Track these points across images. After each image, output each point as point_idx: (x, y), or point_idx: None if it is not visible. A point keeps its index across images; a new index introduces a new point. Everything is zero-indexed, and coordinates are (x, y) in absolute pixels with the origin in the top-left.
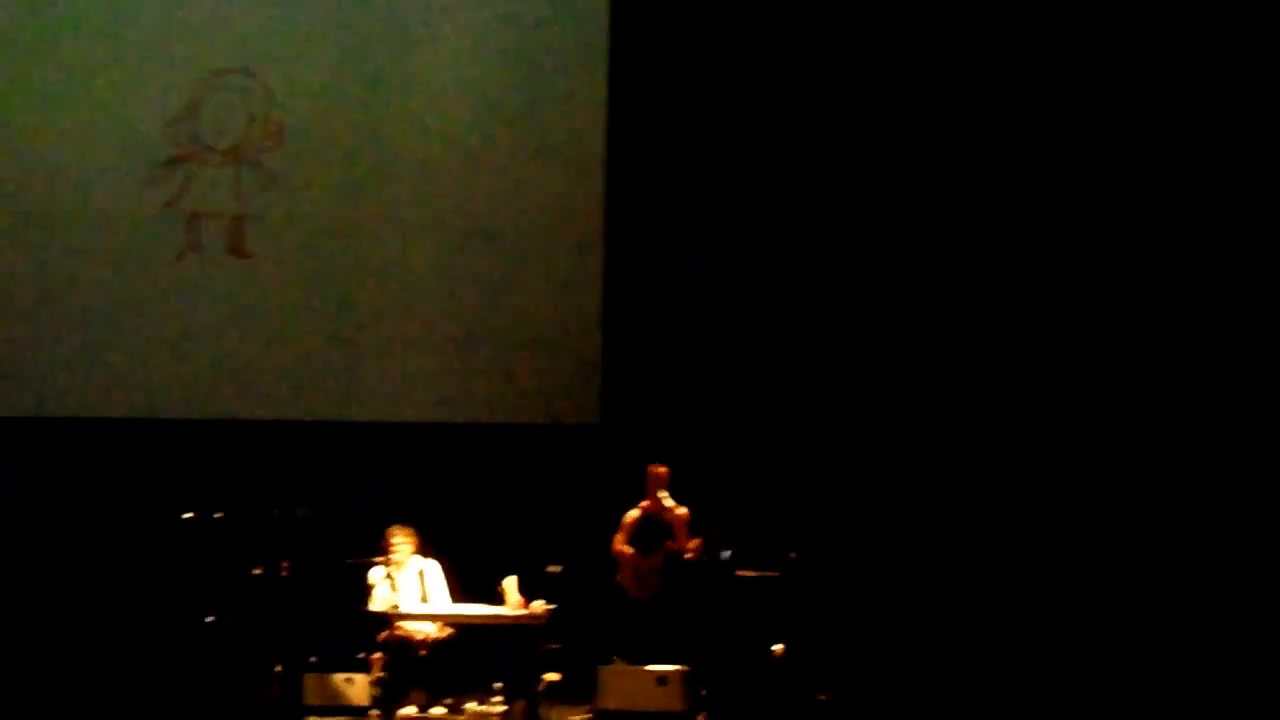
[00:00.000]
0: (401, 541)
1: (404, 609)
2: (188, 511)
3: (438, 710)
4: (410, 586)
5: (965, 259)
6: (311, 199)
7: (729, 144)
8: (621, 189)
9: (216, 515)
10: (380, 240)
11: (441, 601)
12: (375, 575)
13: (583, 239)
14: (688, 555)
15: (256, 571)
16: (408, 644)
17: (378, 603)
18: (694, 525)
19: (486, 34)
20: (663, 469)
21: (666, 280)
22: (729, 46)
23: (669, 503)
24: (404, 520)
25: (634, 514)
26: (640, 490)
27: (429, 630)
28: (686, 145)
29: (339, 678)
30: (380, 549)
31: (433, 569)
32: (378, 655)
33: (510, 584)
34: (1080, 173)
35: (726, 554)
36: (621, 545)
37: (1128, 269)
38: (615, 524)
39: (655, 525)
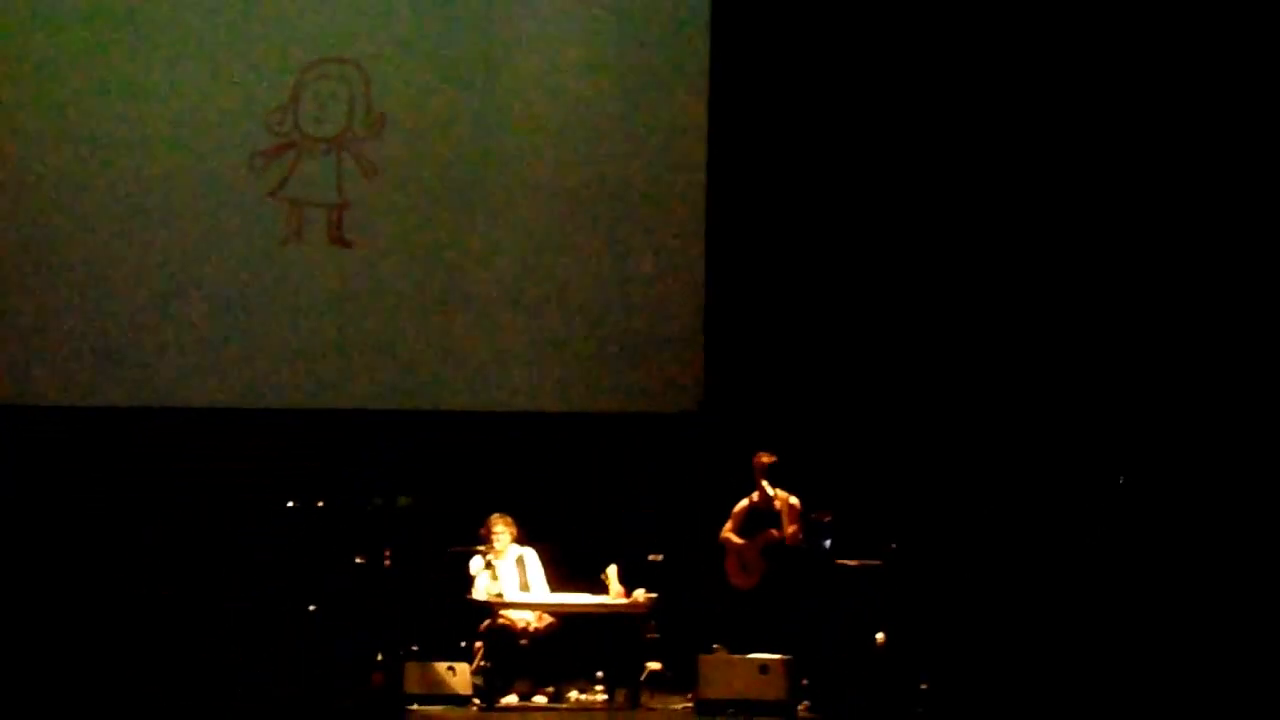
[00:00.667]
0: (500, 530)
1: (506, 598)
2: (291, 500)
3: (540, 699)
4: (510, 575)
5: (1052, 250)
6: (412, 189)
7: (834, 131)
8: (724, 174)
9: (319, 504)
10: (480, 229)
11: (540, 589)
12: (475, 564)
13: (685, 225)
14: (787, 541)
15: (359, 560)
16: (510, 633)
17: (480, 592)
18: (803, 512)
19: (588, 20)
20: (768, 457)
21: (770, 267)
22: (833, 31)
23: (772, 491)
24: (505, 509)
25: (743, 504)
26: (740, 478)
27: (531, 619)
28: (791, 131)
29: (441, 666)
30: (480, 537)
31: (531, 556)
32: (479, 644)
33: (612, 573)
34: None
35: (827, 543)
36: (729, 534)
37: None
38: (716, 512)
39: (764, 514)
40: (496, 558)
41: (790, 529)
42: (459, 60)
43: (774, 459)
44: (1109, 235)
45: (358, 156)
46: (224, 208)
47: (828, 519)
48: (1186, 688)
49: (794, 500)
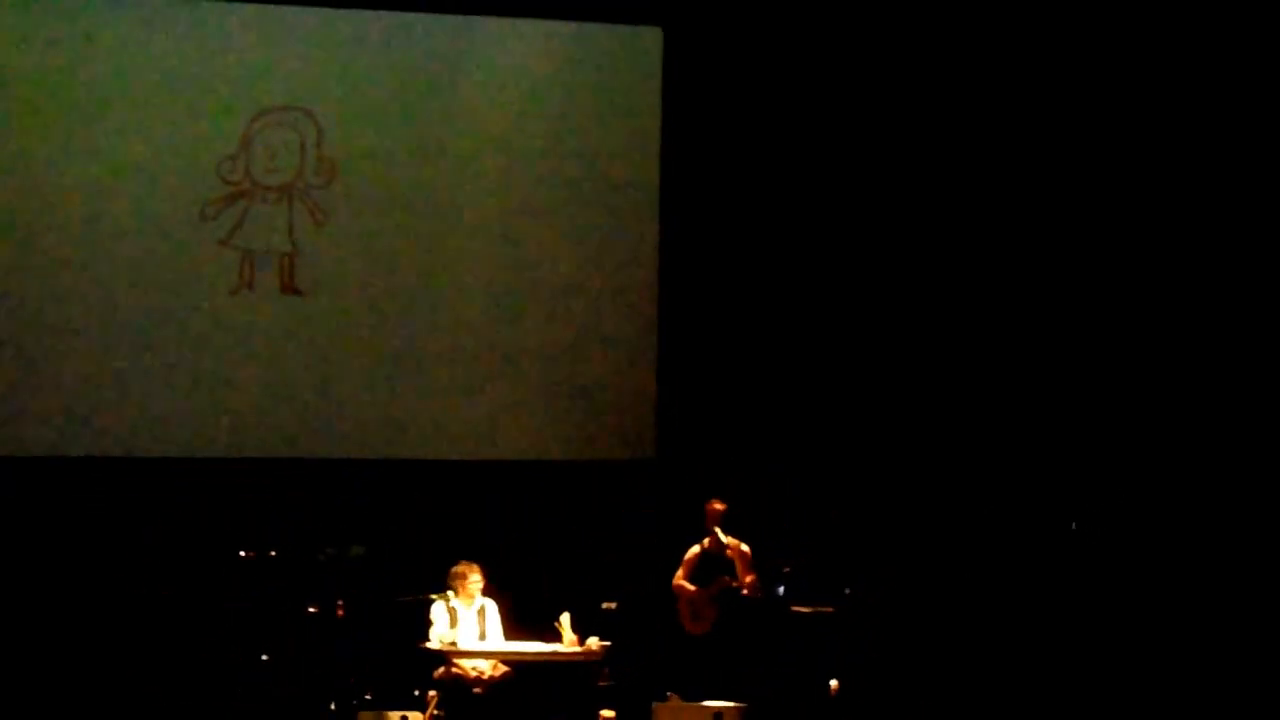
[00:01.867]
0: (475, 579)
1: (460, 646)
2: (243, 550)
3: None
4: (470, 624)
5: (1029, 290)
6: (364, 236)
7: (784, 184)
8: (678, 223)
9: (271, 554)
10: (432, 278)
11: (496, 640)
12: (438, 610)
13: (638, 275)
14: (745, 591)
15: (312, 610)
16: (464, 682)
17: (434, 639)
18: (755, 560)
19: (539, 68)
20: (720, 505)
21: (722, 318)
22: (782, 85)
23: (726, 539)
24: (460, 558)
25: (694, 550)
26: (694, 525)
27: (484, 668)
28: (742, 180)
29: (394, 716)
30: (446, 583)
31: (492, 608)
32: (433, 693)
33: (565, 621)
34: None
35: (781, 590)
36: (681, 581)
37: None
38: (669, 559)
39: (716, 561)
40: (465, 604)
41: (748, 578)
42: (411, 108)
43: (725, 506)
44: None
45: (309, 204)
46: (175, 256)
47: (787, 570)
48: None
49: (745, 547)
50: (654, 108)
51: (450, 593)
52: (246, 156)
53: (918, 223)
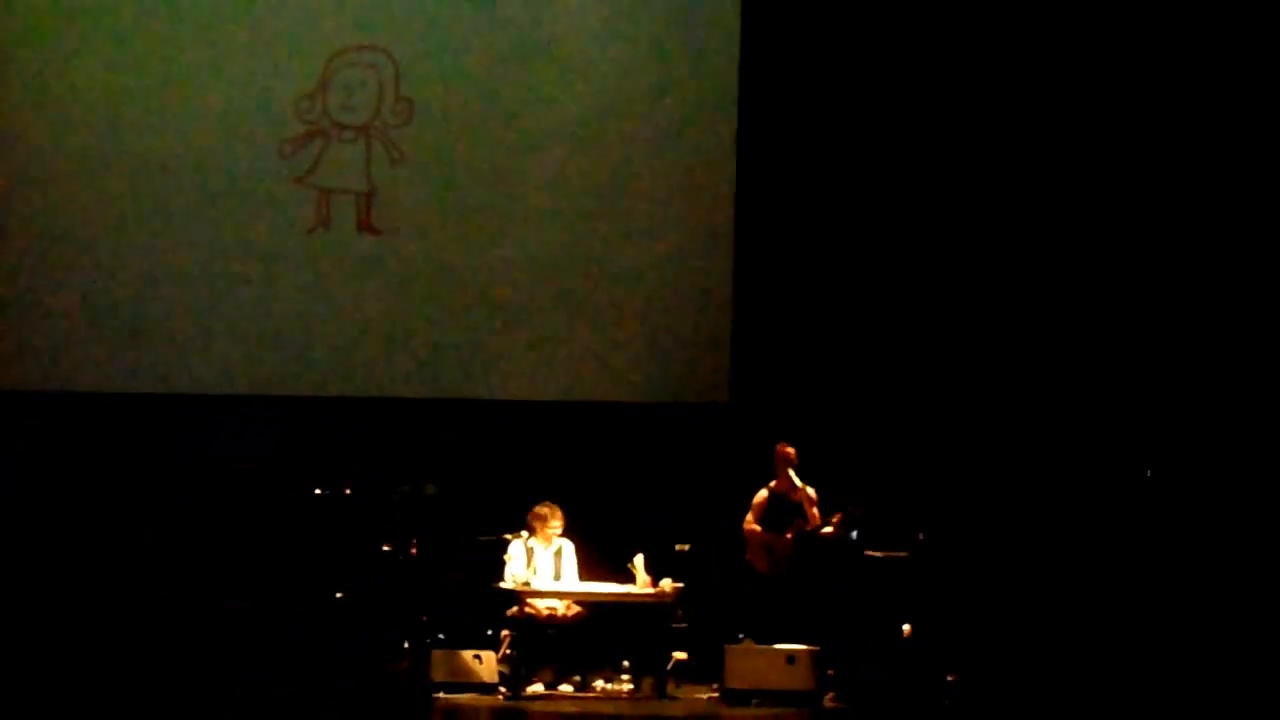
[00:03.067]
0: (555, 523)
1: (533, 586)
2: (318, 487)
3: (565, 688)
4: (546, 565)
5: (1079, 241)
6: (440, 176)
7: (861, 127)
8: (753, 168)
9: (346, 492)
10: (509, 219)
11: (571, 580)
12: (515, 549)
13: (713, 218)
14: (825, 531)
15: (385, 549)
16: (536, 621)
17: (509, 578)
18: (827, 504)
19: (619, 11)
20: (790, 449)
21: (796, 259)
22: (866, 25)
23: (797, 482)
24: (535, 498)
25: (763, 494)
26: (768, 470)
27: (558, 607)
28: (820, 126)
29: (467, 655)
30: (527, 523)
31: (569, 549)
32: (506, 633)
33: (639, 562)
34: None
35: (855, 534)
36: (751, 524)
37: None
38: (743, 503)
39: (784, 504)
40: (544, 545)
41: (834, 519)
42: (488, 48)
43: (795, 451)
44: (1134, 226)
45: (386, 144)
46: (252, 194)
47: (860, 512)
48: (1213, 678)
49: (811, 491)
50: (733, 49)
51: (527, 533)
52: (324, 95)
53: (1002, 169)
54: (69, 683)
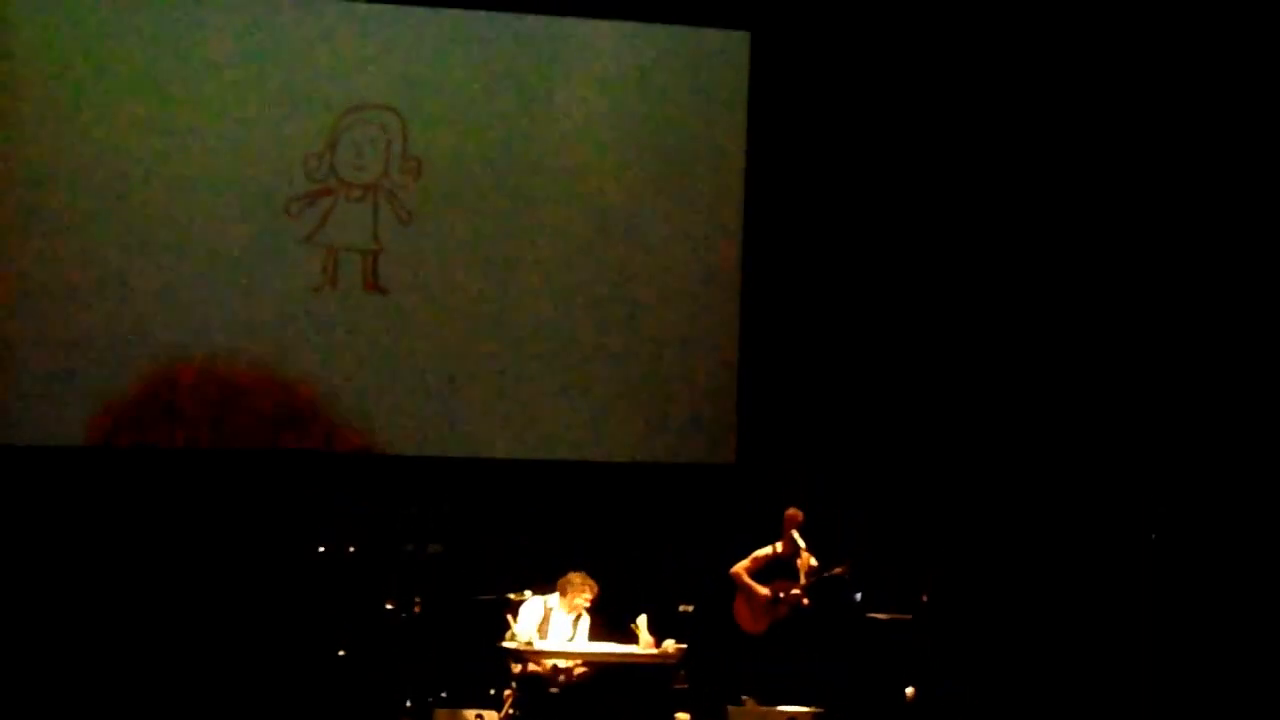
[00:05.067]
0: (586, 596)
1: (535, 645)
2: (322, 545)
3: None
4: (562, 630)
5: (1091, 301)
6: (448, 235)
7: (869, 188)
8: (759, 228)
9: (350, 549)
10: (515, 279)
11: (578, 643)
12: (532, 607)
13: (719, 276)
14: (805, 602)
15: (389, 606)
16: (542, 679)
17: (517, 636)
18: (829, 564)
19: (625, 71)
20: (799, 513)
21: (804, 319)
22: (867, 90)
23: (801, 544)
24: (535, 557)
25: (767, 551)
26: (772, 532)
27: (561, 666)
28: (826, 185)
29: (470, 714)
30: (559, 587)
31: (585, 621)
32: (509, 692)
33: (642, 623)
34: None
35: (858, 596)
36: (745, 574)
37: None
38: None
39: (784, 567)
40: (567, 611)
41: (797, 592)
42: (496, 108)
43: (802, 515)
44: (1145, 276)
45: (394, 203)
46: (259, 252)
47: (838, 571)
48: None
49: (814, 561)
50: (740, 112)
51: (555, 595)
52: (332, 154)
53: (1003, 234)
54: None
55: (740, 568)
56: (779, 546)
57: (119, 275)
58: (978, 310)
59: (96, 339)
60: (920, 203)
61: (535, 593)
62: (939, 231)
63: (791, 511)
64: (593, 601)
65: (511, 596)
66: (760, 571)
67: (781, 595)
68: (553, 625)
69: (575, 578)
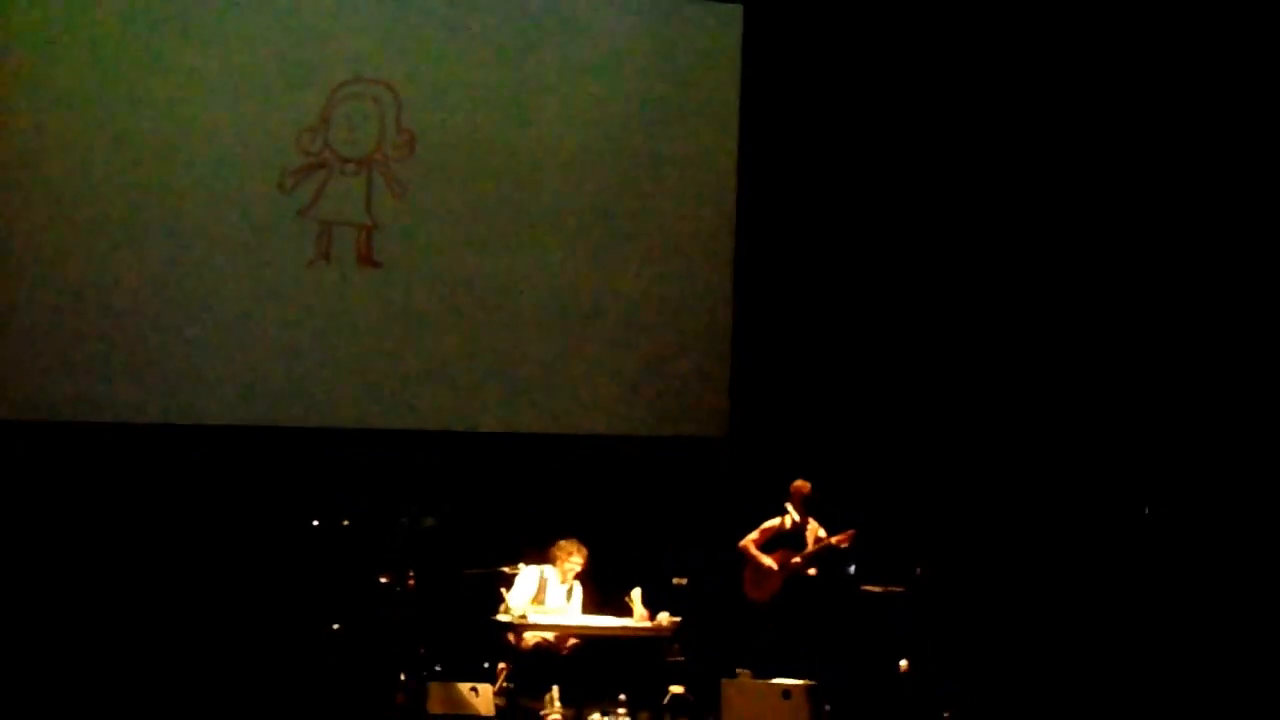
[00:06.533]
0: (576, 561)
1: (530, 618)
2: (316, 519)
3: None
4: (557, 599)
5: (1086, 274)
6: (441, 209)
7: (862, 162)
8: (753, 199)
9: (344, 523)
10: (509, 252)
11: (573, 616)
12: (527, 576)
13: (713, 251)
14: (836, 540)
15: (383, 580)
16: (536, 652)
17: (510, 603)
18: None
19: (619, 45)
20: (806, 484)
21: (797, 292)
22: (861, 63)
23: (812, 523)
24: (530, 530)
25: (774, 523)
26: (766, 503)
27: (555, 641)
28: (819, 156)
29: (464, 687)
30: (549, 555)
31: (579, 591)
32: (503, 665)
33: (636, 596)
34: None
35: (852, 569)
36: (753, 547)
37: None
38: (741, 537)
39: (791, 540)
40: (560, 581)
41: (795, 559)
42: (490, 81)
43: (810, 487)
44: (1137, 259)
45: (388, 177)
46: (253, 226)
47: (834, 540)
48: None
49: (821, 532)
50: (733, 84)
51: (548, 565)
52: (326, 128)
53: (998, 203)
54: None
55: (748, 540)
56: (787, 519)
57: (113, 251)
58: (972, 280)
59: (94, 317)
60: (914, 173)
61: (528, 564)
62: (933, 201)
63: (799, 483)
64: (584, 566)
65: (505, 570)
66: (768, 543)
67: (789, 565)
68: (548, 595)
69: (566, 545)
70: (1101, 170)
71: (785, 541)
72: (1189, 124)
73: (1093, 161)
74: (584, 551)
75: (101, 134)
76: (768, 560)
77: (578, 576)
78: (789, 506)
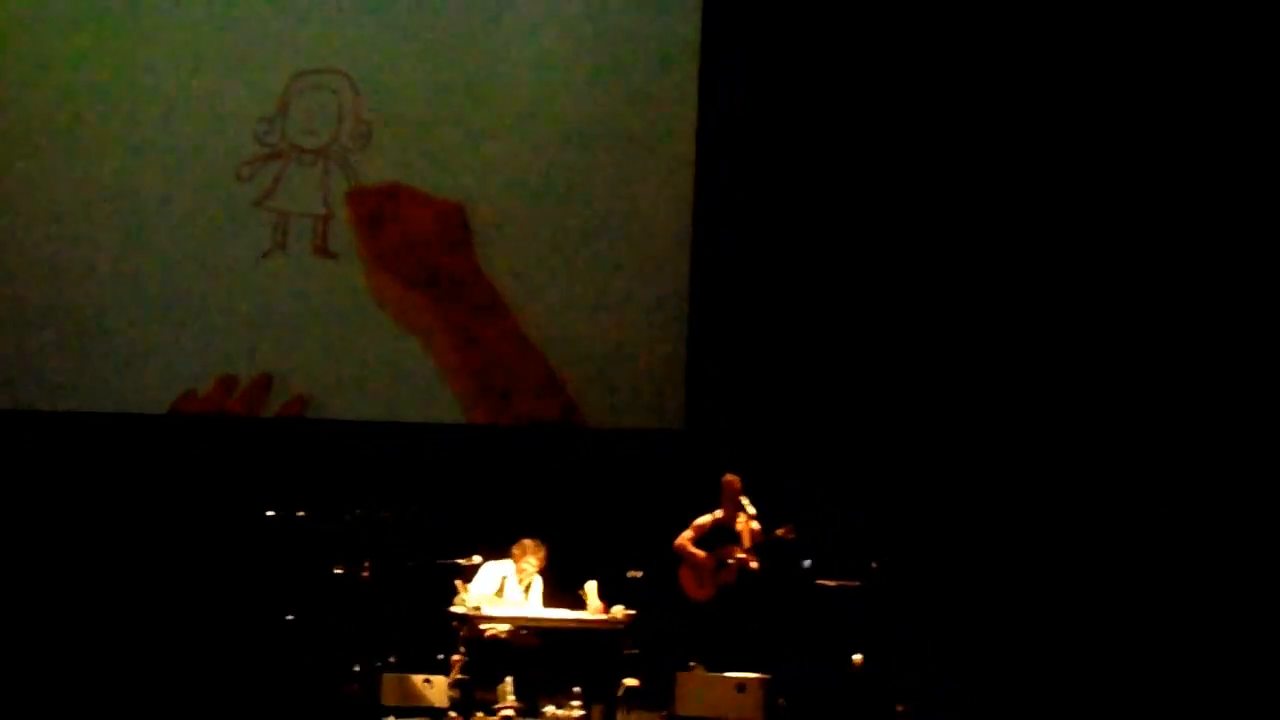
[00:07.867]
0: (532, 562)
1: (489, 611)
2: (270, 510)
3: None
4: (515, 595)
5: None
6: None
7: (821, 149)
8: (710, 192)
9: (299, 515)
10: (464, 244)
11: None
12: (490, 570)
13: (669, 244)
14: (752, 565)
15: (337, 571)
16: (488, 645)
17: (466, 601)
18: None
19: (576, 36)
20: (736, 479)
21: (753, 285)
22: (825, 28)
23: (751, 510)
24: (485, 522)
25: (707, 519)
26: (720, 496)
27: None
28: (777, 151)
29: (418, 679)
30: (509, 552)
31: (538, 586)
32: (457, 657)
33: (591, 588)
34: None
35: (807, 563)
36: (685, 542)
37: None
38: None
39: (726, 535)
40: (519, 577)
41: (742, 555)
42: (447, 72)
43: (740, 480)
44: (1091, 251)
45: (344, 167)
46: (209, 216)
47: (790, 535)
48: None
49: (756, 525)
50: (690, 81)
51: (509, 561)
52: (283, 118)
53: (963, 186)
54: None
55: (683, 538)
56: (719, 513)
57: (70, 240)
58: (931, 271)
59: (44, 303)
60: (871, 161)
61: (487, 558)
62: (895, 187)
63: (729, 478)
64: (540, 566)
65: (461, 562)
66: (703, 539)
67: (727, 561)
68: (507, 590)
69: (526, 542)
70: (1084, 158)
71: (721, 536)
72: (1184, 122)
73: (1071, 147)
74: (541, 552)
75: (57, 127)
76: (703, 554)
77: (539, 572)
78: (740, 500)
